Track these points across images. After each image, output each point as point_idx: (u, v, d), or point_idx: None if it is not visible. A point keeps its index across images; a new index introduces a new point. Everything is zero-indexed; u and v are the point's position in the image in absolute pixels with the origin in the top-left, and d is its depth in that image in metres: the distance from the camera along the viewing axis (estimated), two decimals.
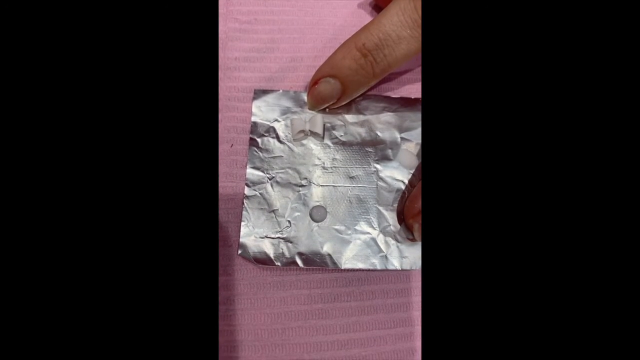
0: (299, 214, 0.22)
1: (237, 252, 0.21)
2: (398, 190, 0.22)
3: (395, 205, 0.22)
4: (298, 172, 0.22)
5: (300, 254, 0.21)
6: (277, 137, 0.23)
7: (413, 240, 0.21)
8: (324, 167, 0.23)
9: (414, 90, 0.25)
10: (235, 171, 0.22)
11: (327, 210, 0.22)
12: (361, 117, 0.23)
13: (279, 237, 0.21)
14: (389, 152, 0.23)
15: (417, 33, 0.20)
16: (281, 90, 0.24)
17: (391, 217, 0.22)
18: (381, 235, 0.22)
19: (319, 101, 0.22)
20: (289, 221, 0.21)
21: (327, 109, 0.23)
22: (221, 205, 0.22)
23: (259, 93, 0.23)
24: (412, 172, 0.23)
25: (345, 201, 0.22)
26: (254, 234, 0.21)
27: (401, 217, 0.22)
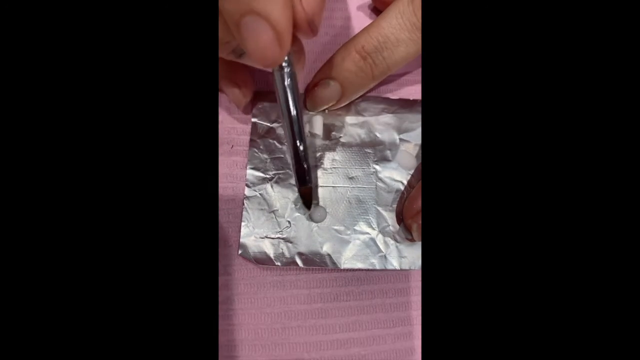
0: (298, 214, 0.22)
1: (238, 252, 0.21)
2: (397, 190, 0.23)
3: (394, 205, 0.22)
4: None
5: (300, 254, 0.21)
6: (277, 138, 0.23)
7: (412, 240, 0.22)
8: (323, 168, 0.23)
9: (412, 91, 0.25)
10: (235, 172, 0.23)
11: (327, 210, 0.22)
12: (360, 119, 0.24)
13: (279, 237, 0.21)
14: (388, 153, 0.23)
15: (416, 36, 0.21)
16: None
17: (390, 218, 0.22)
18: (380, 236, 0.22)
19: (318, 103, 0.23)
20: (288, 221, 0.22)
21: (327, 111, 0.23)
22: (222, 205, 0.22)
23: (259, 94, 0.24)
24: (410, 172, 0.23)
25: (345, 202, 0.22)
26: (254, 234, 0.21)
27: (400, 218, 0.22)
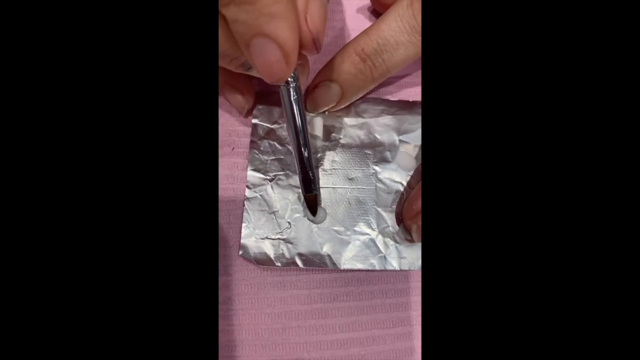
0: (298, 215, 0.22)
1: (238, 252, 0.21)
2: (397, 191, 0.23)
3: (394, 206, 0.23)
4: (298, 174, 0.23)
5: (300, 255, 0.21)
6: (278, 140, 0.23)
7: (411, 241, 0.22)
8: (323, 169, 0.23)
9: (412, 93, 0.25)
10: (236, 173, 0.23)
11: (327, 211, 0.22)
12: (360, 120, 0.24)
13: (279, 238, 0.22)
14: (388, 154, 0.23)
15: (415, 39, 0.21)
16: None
17: (390, 218, 0.22)
18: (380, 236, 0.22)
19: (318, 104, 0.23)
20: (289, 222, 0.22)
21: (327, 112, 0.24)
22: (222, 207, 0.22)
23: (260, 96, 0.24)
24: (410, 173, 0.23)
25: (345, 202, 0.22)
26: (254, 235, 0.21)
27: (400, 218, 0.22)
